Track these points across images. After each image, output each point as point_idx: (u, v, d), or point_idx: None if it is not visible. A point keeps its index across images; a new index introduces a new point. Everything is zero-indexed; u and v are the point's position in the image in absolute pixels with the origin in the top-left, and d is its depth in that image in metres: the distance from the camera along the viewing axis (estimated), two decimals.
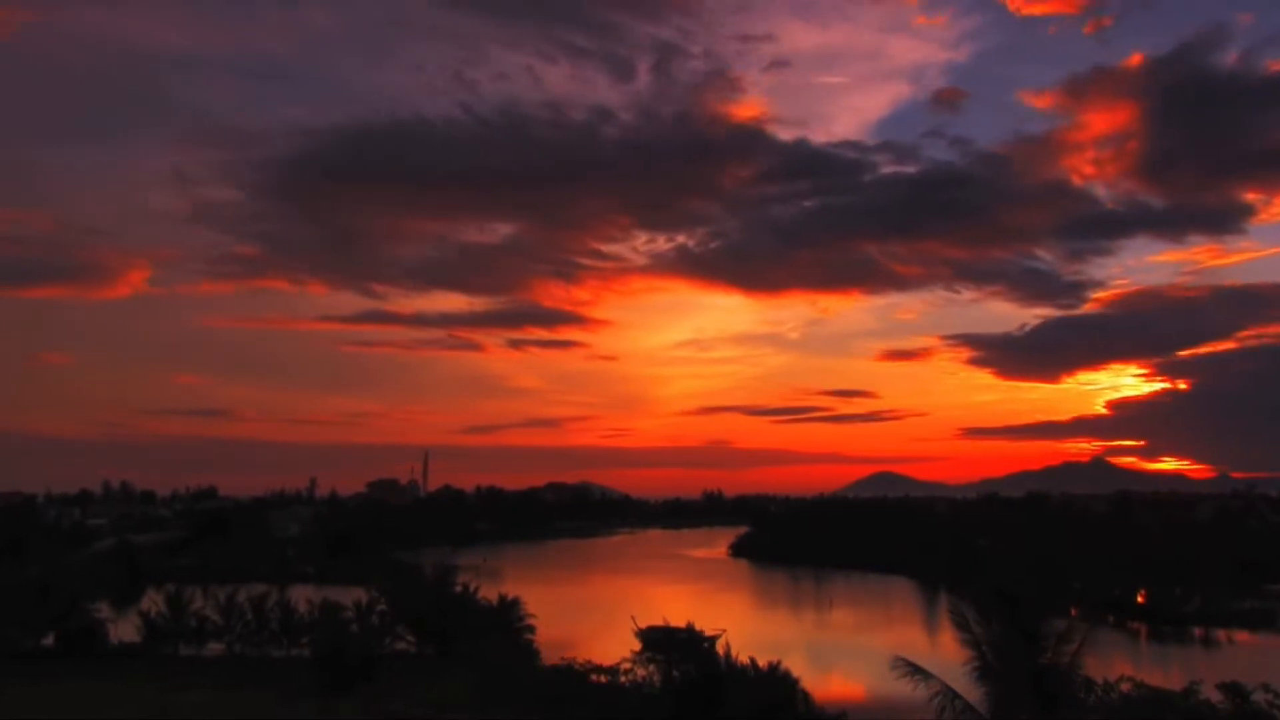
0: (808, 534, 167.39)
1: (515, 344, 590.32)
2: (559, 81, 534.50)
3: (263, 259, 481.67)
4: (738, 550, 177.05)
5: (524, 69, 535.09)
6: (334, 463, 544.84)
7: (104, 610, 70.30)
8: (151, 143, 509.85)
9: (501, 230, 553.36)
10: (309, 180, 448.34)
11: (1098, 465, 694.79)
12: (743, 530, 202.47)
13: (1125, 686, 35.14)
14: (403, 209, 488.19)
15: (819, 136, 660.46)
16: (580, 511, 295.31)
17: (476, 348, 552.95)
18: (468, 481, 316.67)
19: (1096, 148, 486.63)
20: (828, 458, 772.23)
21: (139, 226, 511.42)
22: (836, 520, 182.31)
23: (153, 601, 69.56)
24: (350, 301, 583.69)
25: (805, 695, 41.80)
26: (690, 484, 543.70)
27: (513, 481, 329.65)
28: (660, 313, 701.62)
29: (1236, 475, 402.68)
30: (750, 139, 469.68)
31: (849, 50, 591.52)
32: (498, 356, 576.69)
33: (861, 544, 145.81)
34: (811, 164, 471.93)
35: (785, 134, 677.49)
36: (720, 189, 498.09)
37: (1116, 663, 52.37)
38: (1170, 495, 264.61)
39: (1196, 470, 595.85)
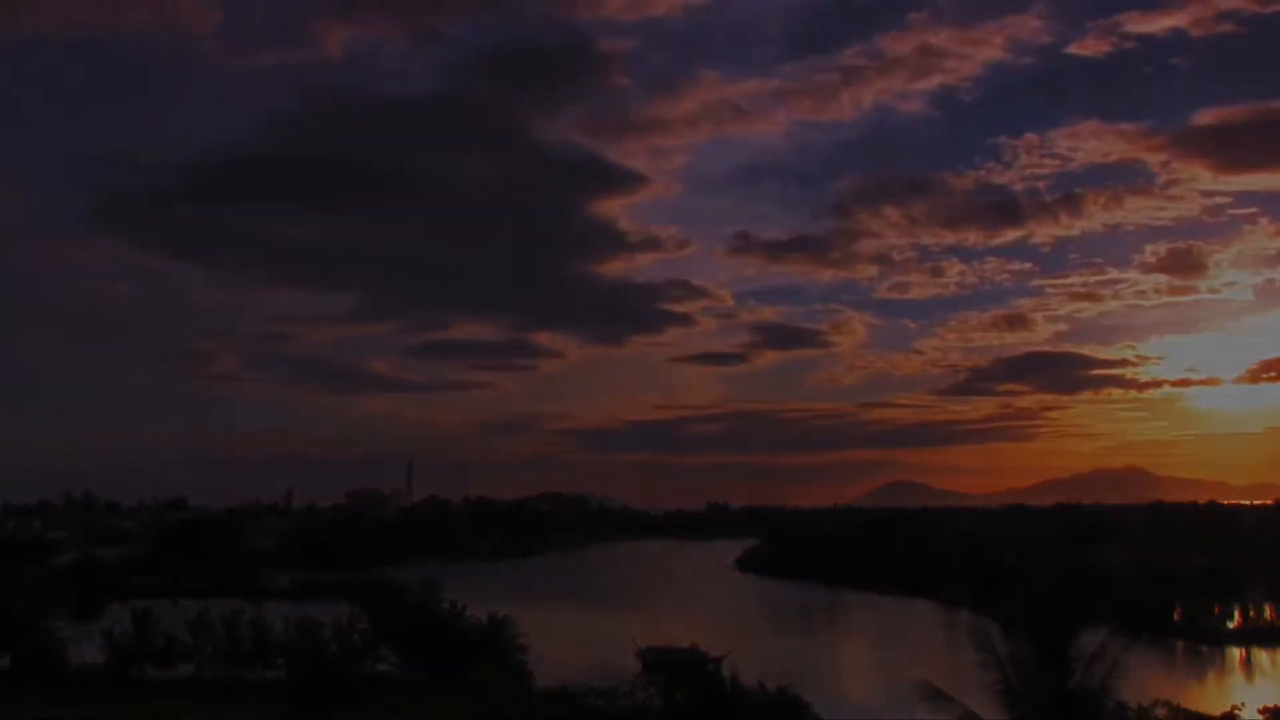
0: (820, 547, 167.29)
1: None
2: None
3: None
4: (745, 564, 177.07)
5: None
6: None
7: (64, 629, 70.01)
8: None
9: None
10: None
11: (1132, 472, 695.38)
12: (750, 543, 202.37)
13: (1161, 711, 35.17)
14: None
15: None
16: (576, 523, 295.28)
17: None
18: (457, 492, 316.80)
19: None
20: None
21: None
22: (850, 533, 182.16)
23: (117, 620, 69.42)
24: None
25: None
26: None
27: (505, 491, 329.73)
28: None
29: None
30: None
31: None
32: None
33: (877, 558, 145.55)
34: None
35: None
36: None
37: (1152, 684, 52.28)
38: (1210, 504, 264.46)
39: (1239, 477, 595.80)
